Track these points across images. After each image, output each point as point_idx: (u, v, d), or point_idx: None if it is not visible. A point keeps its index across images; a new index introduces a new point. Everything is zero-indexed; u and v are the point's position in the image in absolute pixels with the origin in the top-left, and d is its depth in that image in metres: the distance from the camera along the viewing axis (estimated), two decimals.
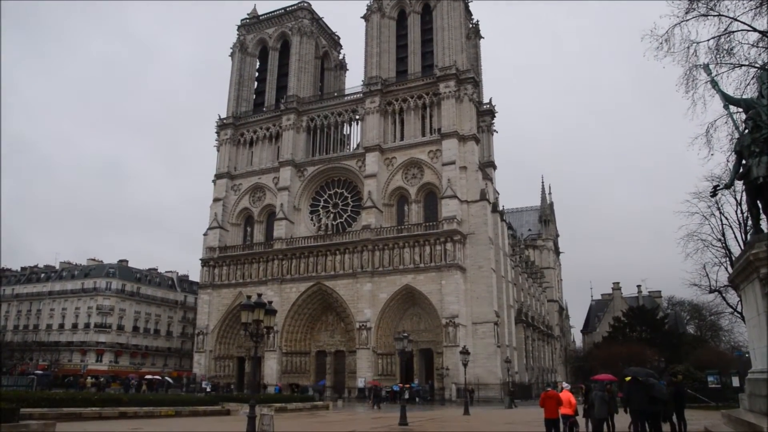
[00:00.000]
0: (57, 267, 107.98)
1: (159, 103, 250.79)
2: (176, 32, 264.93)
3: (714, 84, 16.23)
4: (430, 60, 76.99)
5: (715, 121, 18.30)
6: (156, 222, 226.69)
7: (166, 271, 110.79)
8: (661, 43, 18.00)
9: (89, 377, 66.49)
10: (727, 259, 38.53)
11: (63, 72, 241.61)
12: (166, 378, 71.61)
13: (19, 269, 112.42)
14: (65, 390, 49.82)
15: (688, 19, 17.51)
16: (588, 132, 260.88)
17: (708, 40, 17.47)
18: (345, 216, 77.22)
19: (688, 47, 17.63)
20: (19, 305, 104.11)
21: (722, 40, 17.26)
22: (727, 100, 15.97)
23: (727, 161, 19.86)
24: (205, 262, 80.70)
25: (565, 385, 21.85)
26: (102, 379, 65.92)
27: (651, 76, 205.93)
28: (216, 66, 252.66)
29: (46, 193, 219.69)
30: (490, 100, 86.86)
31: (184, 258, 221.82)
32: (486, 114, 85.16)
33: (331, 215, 77.99)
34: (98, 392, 44.58)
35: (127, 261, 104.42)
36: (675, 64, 18.18)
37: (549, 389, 19.95)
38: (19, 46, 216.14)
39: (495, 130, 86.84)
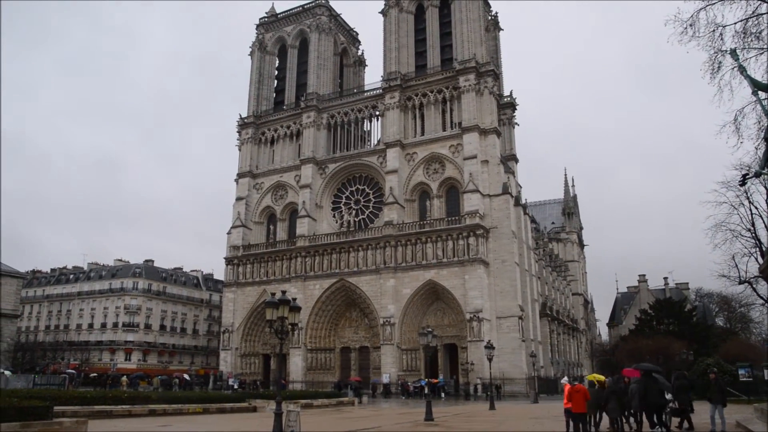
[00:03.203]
0: (85, 268, 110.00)
1: (149, 95, 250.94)
2: (156, 21, 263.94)
3: (741, 69, 15.81)
4: (449, 53, 76.57)
5: (744, 108, 17.82)
6: (158, 217, 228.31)
7: (191, 270, 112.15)
8: (686, 28, 17.58)
9: (124, 376, 67.61)
10: (758, 249, 37.67)
11: (49, 61, 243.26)
12: (185, 375, 72.38)
13: (48, 271, 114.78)
14: (103, 389, 50.95)
15: (713, 3, 17.09)
16: (608, 122, 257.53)
17: (735, 24, 17.03)
18: (367, 212, 77.28)
19: (714, 31, 17.20)
20: (50, 306, 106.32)
21: (750, 23, 16.81)
22: (756, 85, 15.56)
23: (756, 149, 19.35)
24: (229, 261, 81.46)
25: (564, 380, 22.30)
26: (156, 378, 67.00)
27: (674, 61, 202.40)
28: (212, 61, 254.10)
29: (48, 188, 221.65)
30: (511, 92, 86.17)
31: (196, 254, 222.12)
32: (507, 107, 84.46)
33: (353, 212, 78.11)
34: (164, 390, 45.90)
35: (152, 261, 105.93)
36: (700, 49, 17.75)
37: (576, 383, 19.83)
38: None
39: (516, 123, 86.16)
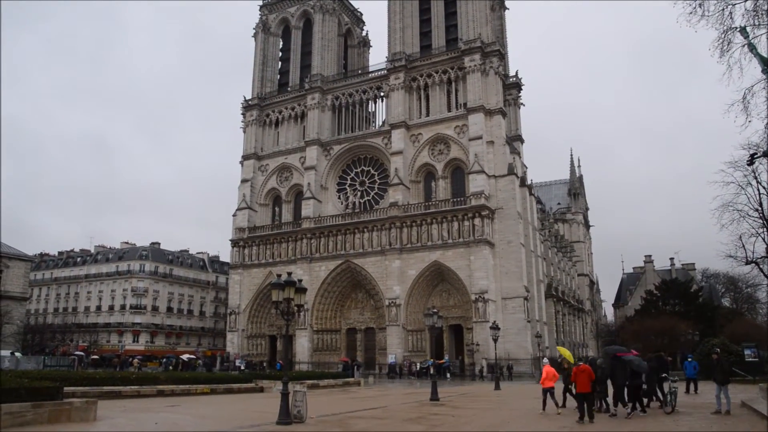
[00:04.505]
0: (92, 251, 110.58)
1: (142, 79, 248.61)
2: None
3: (751, 47, 15.63)
4: (455, 34, 75.80)
5: (753, 86, 17.61)
6: (156, 201, 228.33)
7: (197, 253, 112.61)
8: (695, 8, 17.34)
9: (135, 358, 68.21)
10: (765, 229, 37.40)
11: (36, 43, 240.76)
12: (181, 357, 72.88)
13: (56, 254, 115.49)
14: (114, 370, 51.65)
15: None
16: (608, 99, 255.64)
17: (745, 1, 16.77)
18: (372, 194, 77.24)
19: (723, 10, 16.95)
20: (58, 288, 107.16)
21: (761, 0, 16.55)
22: (766, 64, 15.39)
23: (765, 128, 19.17)
24: (234, 243, 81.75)
25: (545, 360, 23.12)
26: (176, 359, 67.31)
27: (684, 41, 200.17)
28: (209, 45, 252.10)
29: (43, 173, 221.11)
30: (516, 72, 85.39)
31: (197, 238, 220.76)
32: (512, 87, 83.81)
33: (359, 193, 78.08)
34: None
35: (159, 243, 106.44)
36: (709, 27, 17.51)
37: (581, 363, 20.05)
38: None
39: (522, 103, 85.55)
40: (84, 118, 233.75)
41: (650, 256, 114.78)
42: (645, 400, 21.64)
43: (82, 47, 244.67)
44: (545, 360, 23.62)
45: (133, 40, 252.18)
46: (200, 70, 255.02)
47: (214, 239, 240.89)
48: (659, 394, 22.57)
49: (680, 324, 59.47)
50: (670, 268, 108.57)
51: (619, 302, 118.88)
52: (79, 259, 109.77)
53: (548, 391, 21.35)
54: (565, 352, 24.13)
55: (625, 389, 20.63)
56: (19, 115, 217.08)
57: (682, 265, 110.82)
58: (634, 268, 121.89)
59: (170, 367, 61.21)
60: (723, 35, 16.39)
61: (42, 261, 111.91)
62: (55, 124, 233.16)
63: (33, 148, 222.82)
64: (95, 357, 67.45)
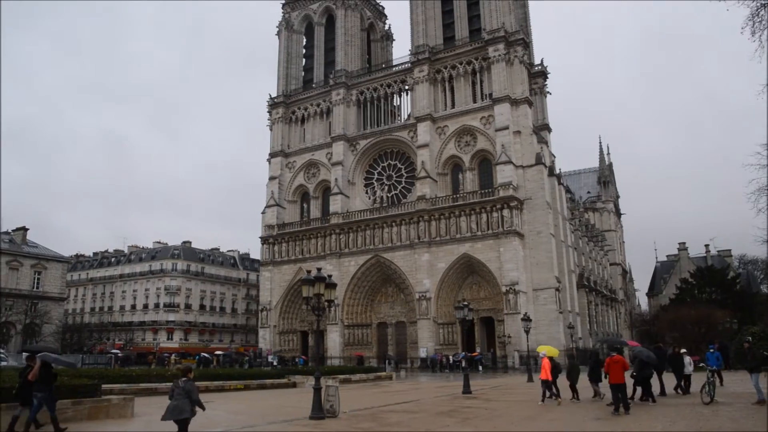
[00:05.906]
0: (125, 251, 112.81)
1: (141, 75, 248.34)
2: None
3: None
4: (478, 24, 75.13)
5: None
6: (175, 200, 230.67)
7: (228, 250, 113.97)
8: None
9: (173, 355, 69.21)
10: None
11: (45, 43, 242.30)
12: (230, 352, 73.70)
13: (91, 254, 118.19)
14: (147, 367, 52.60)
15: None
16: (638, 85, 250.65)
17: None
18: (399, 187, 77.15)
19: None
20: (94, 288, 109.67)
21: None
22: None
23: None
24: (264, 240, 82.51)
25: (542, 353, 23.57)
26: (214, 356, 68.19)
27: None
28: (229, 43, 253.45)
29: (62, 173, 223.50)
30: (542, 60, 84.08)
31: (220, 235, 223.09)
32: (538, 75, 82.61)
33: (386, 187, 78.04)
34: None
35: (190, 242, 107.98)
36: (740, 5, 16.97)
37: (614, 354, 19.75)
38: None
39: (548, 92, 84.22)
40: (93, 117, 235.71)
41: (684, 243, 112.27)
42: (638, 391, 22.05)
43: (85, 45, 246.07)
44: (542, 353, 23.99)
45: (134, 38, 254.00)
46: (205, 67, 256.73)
47: (242, 236, 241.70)
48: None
49: (717, 312, 58.10)
50: (705, 255, 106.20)
51: (653, 291, 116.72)
52: (113, 259, 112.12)
53: (550, 383, 22.30)
54: (545, 348, 24.89)
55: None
56: (31, 116, 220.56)
57: (718, 251, 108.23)
58: (667, 256, 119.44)
59: (230, 364, 62.01)
60: (755, 11, 15.88)
61: (78, 262, 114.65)
62: (68, 122, 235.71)
63: (50, 149, 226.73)
64: (121, 355, 68.06)
